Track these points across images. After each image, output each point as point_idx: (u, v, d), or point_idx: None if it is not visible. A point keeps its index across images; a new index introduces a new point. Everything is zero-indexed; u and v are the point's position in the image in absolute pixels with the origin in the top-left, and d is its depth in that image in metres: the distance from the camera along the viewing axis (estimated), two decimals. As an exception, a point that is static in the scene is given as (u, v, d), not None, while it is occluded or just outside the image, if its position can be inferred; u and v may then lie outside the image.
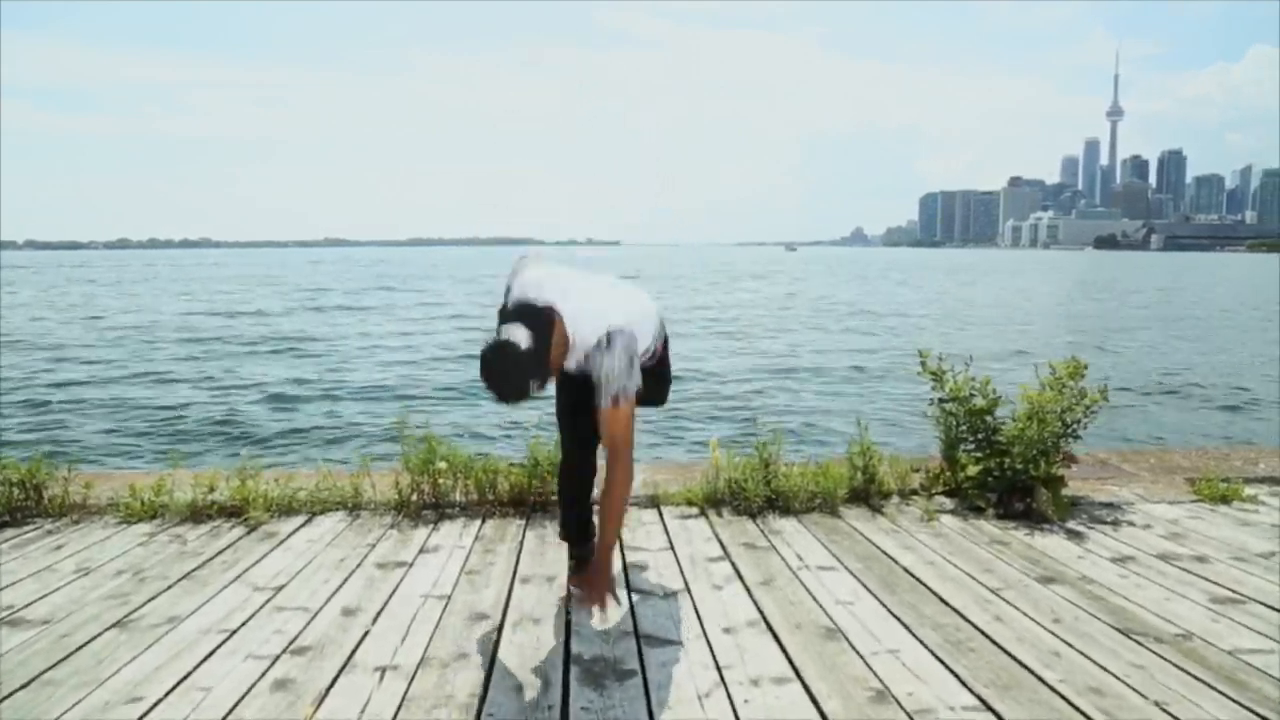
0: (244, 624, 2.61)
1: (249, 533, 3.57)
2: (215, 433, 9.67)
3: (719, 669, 2.25)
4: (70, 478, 3.94)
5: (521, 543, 3.40)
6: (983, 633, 2.47)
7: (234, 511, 3.81)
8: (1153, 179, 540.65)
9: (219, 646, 2.44)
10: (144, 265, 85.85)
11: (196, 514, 3.79)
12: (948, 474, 4.12)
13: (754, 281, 50.95)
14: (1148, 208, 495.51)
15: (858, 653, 2.34)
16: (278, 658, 2.36)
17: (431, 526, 3.63)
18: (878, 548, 3.28)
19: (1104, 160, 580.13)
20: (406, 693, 2.14)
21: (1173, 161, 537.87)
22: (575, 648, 2.40)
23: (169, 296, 35.35)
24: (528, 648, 2.41)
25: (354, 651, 2.40)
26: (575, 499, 2.94)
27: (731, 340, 19.46)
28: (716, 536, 3.45)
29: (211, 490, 3.88)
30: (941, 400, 4.12)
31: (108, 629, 2.58)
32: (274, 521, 3.72)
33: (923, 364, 4.17)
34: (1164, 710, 2.02)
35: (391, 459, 4.38)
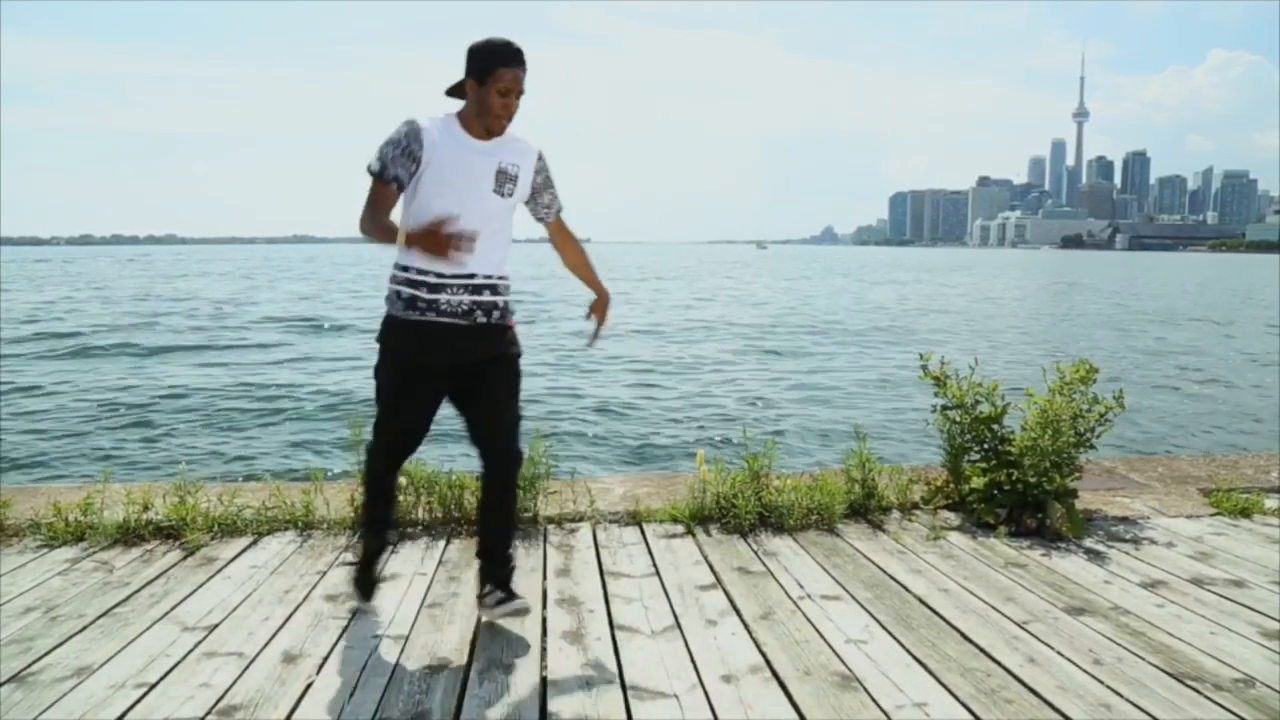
0: (165, 675, 2.24)
1: (185, 558, 3.19)
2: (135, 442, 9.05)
3: (721, 732, 1.93)
4: (-15, 496, 3.53)
5: (491, 569, 3.05)
6: (1017, 678, 2.17)
7: (170, 533, 3.42)
8: (1118, 179, 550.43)
9: (131, 708, 2.07)
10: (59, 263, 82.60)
11: (128, 536, 3.40)
12: (951, 486, 3.84)
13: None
14: (1113, 208, 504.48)
15: (880, 708, 2.03)
16: (202, 720, 2.00)
17: (390, 550, 3.26)
18: (884, 572, 2.98)
19: (1070, 161, 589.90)
20: (351, 769, 1.80)
21: (1137, 163, 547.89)
22: (553, 704, 2.06)
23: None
24: (497, 703, 2.07)
25: (293, 711, 2.04)
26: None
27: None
28: (706, 560, 3.13)
29: (146, 509, 3.49)
30: (944, 407, 3.84)
31: (1, 685, 2.20)
32: (215, 544, 3.34)
33: (924, 368, 3.88)
34: (1248, 783, 1.73)
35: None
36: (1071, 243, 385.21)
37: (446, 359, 2.43)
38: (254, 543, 3.36)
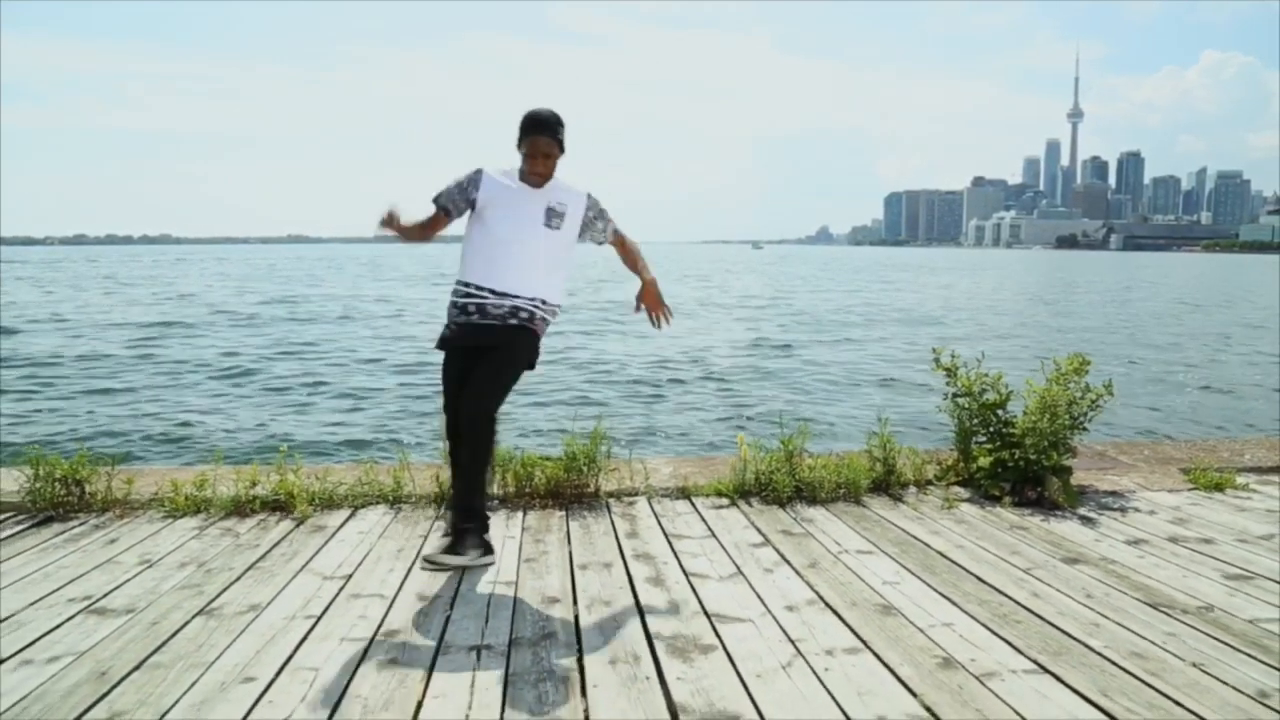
0: (326, 610, 2.73)
1: (297, 526, 3.67)
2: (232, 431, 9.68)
3: (793, 642, 2.43)
4: (113, 474, 4.01)
5: (568, 533, 3.55)
6: (1025, 607, 2.68)
7: (277, 506, 3.91)
8: (1112, 180, 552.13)
9: (310, 631, 2.56)
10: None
11: (240, 509, 3.88)
12: (961, 465, 4.35)
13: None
14: (1107, 208, 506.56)
15: (916, 626, 2.54)
16: (372, 640, 2.49)
17: (476, 518, 3.75)
18: (907, 533, 3.49)
19: (1065, 161, 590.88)
20: (508, 670, 2.29)
21: (1131, 163, 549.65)
22: (653, 626, 2.56)
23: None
24: (608, 628, 2.57)
25: (443, 634, 2.54)
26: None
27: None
28: (753, 525, 3.63)
29: (254, 485, 3.97)
30: (955, 395, 4.34)
31: (194, 617, 2.69)
32: (318, 515, 3.82)
33: (936, 360, 4.39)
34: (1203, 671, 2.24)
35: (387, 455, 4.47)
36: (1066, 243, 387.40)
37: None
38: (352, 514, 3.85)
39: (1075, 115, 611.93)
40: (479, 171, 3.10)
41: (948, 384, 4.34)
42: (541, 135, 3.01)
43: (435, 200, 3.11)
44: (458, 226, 3.24)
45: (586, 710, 2.06)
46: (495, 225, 3.08)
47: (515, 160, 3.15)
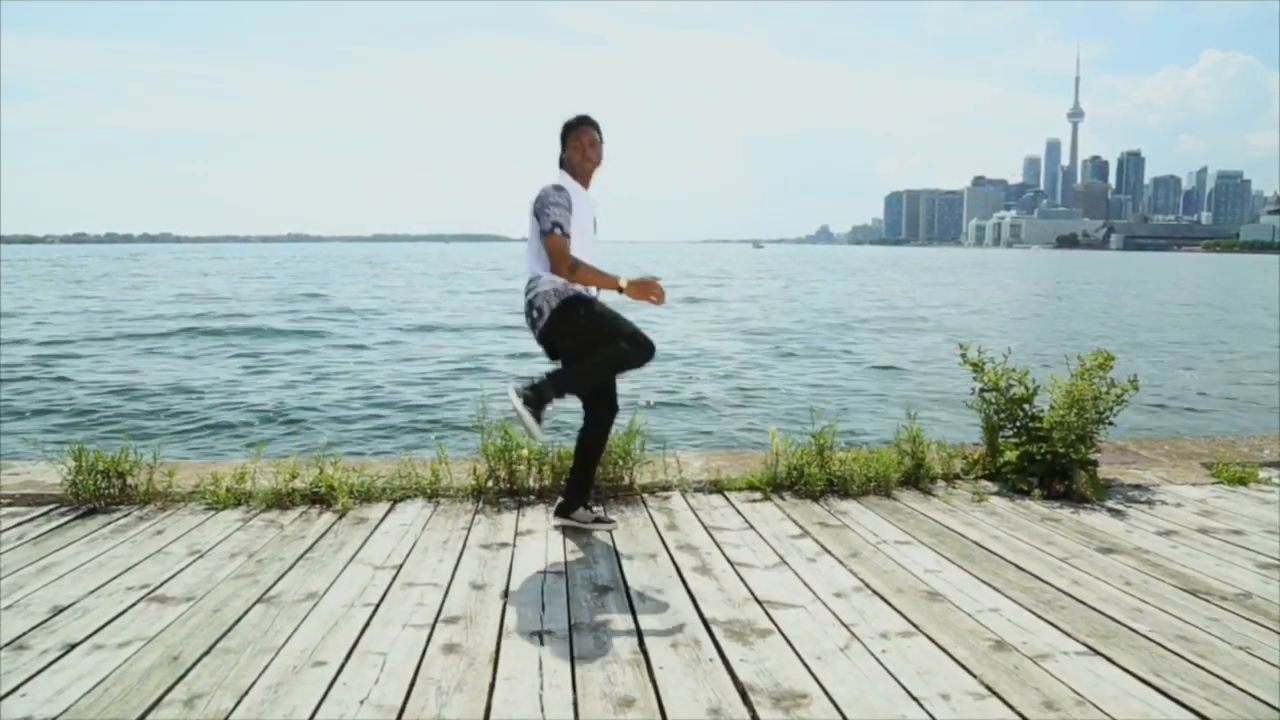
0: (383, 599, 2.79)
1: (340, 518, 3.73)
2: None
3: (847, 626, 2.50)
4: (155, 466, 4.07)
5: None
6: (1067, 594, 2.75)
7: (316, 499, 3.97)
8: (1112, 179, 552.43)
9: (371, 618, 2.63)
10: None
11: (281, 501, 3.94)
12: (988, 459, 4.41)
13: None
14: (1107, 208, 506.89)
15: (964, 611, 2.60)
16: (434, 626, 2.56)
17: (516, 511, 3.82)
18: (942, 525, 3.55)
19: (1065, 161, 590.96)
20: (572, 653, 2.35)
21: (1131, 163, 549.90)
22: (707, 612, 2.63)
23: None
24: (663, 613, 2.63)
25: (502, 620, 2.60)
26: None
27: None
28: (789, 517, 3.70)
29: (294, 478, 4.04)
30: (982, 390, 4.41)
31: (254, 604, 2.75)
32: (359, 508, 3.88)
33: (963, 355, 4.45)
34: (1250, 654, 2.31)
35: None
36: (1066, 242, 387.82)
37: None
38: (392, 508, 3.90)
39: (1075, 115, 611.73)
40: (564, 189, 3.35)
41: (975, 379, 4.41)
42: (591, 127, 3.43)
43: (567, 230, 3.27)
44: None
45: (657, 689, 2.13)
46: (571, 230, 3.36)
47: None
